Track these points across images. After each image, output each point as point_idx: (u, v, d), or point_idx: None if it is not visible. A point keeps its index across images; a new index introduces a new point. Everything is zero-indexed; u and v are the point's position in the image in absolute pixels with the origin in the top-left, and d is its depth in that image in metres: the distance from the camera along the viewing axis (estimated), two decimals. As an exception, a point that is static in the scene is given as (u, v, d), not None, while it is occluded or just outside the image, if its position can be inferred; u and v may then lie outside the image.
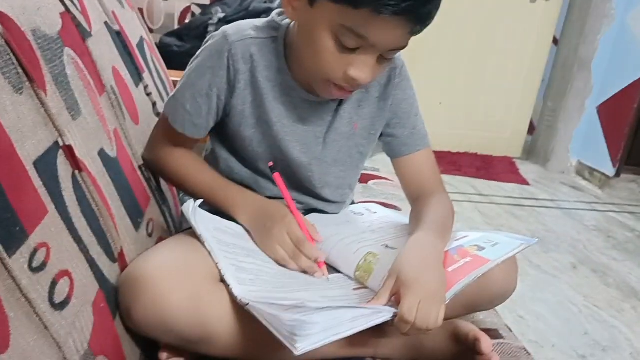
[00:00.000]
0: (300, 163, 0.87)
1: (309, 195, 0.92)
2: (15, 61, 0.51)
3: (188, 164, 0.87)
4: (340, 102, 0.86)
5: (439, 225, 0.79)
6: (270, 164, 0.84)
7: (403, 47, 0.72)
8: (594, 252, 2.32)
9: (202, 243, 0.73)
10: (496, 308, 0.91)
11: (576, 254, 2.29)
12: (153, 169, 0.89)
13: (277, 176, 0.83)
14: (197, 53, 0.83)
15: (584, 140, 3.30)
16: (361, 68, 0.71)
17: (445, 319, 0.80)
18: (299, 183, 0.90)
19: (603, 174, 3.15)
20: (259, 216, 0.81)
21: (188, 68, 0.83)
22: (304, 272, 0.78)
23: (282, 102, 0.83)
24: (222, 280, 0.69)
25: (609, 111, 3.14)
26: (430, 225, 0.79)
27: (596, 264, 2.22)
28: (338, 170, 0.91)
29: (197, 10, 2.02)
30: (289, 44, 0.80)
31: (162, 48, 1.89)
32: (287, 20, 0.80)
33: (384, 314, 0.64)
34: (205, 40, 0.83)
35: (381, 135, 0.92)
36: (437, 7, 0.67)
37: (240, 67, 0.80)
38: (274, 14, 0.83)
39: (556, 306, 1.87)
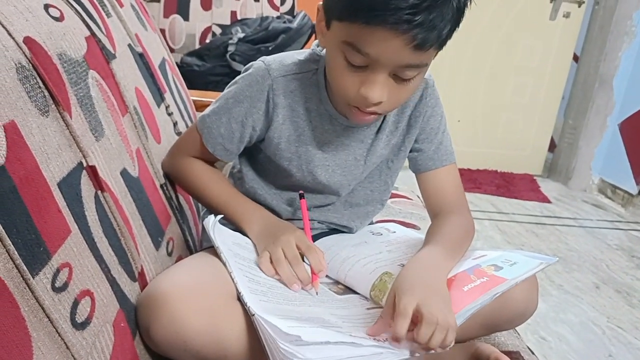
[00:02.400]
0: (340, 185, 0.89)
1: (336, 212, 0.93)
2: (41, 84, 0.52)
3: (207, 175, 0.88)
4: (380, 126, 0.87)
5: (447, 244, 0.78)
6: (301, 192, 0.86)
7: (416, 65, 0.69)
8: (617, 272, 2.28)
9: (219, 255, 0.74)
10: (517, 329, 0.90)
11: (599, 273, 2.25)
12: (172, 175, 0.90)
13: (303, 203, 0.85)
14: (236, 79, 0.85)
15: (606, 157, 3.26)
16: (370, 86, 0.69)
17: (465, 339, 0.80)
18: (327, 202, 0.92)
19: (626, 191, 3.10)
20: (269, 228, 0.81)
21: (226, 92, 0.85)
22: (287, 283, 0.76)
23: (325, 131, 0.85)
24: (239, 299, 0.69)
25: (631, 128, 3.10)
26: (437, 243, 0.78)
27: (620, 283, 2.17)
28: (367, 183, 0.93)
29: (218, 30, 2.05)
30: None
31: (183, 67, 1.92)
32: None
33: (385, 356, 0.63)
34: (245, 68, 0.85)
35: (409, 150, 0.92)
36: (441, 15, 0.63)
37: (280, 101, 0.82)
38: (314, 45, 0.85)
39: (579, 327, 1.83)
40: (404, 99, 0.76)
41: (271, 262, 0.76)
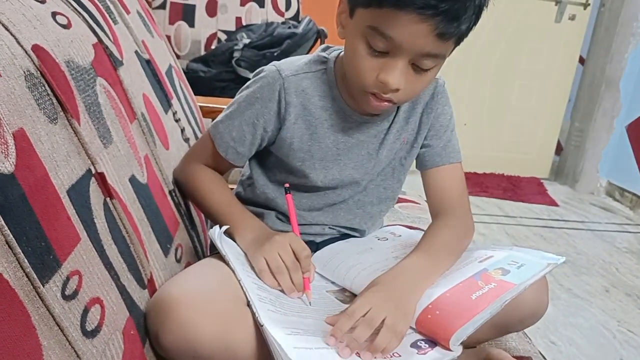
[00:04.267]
0: (352, 179, 0.89)
1: (348, 212, 0.93)
2: (50, 92, 0.52)
3: (210, 182, 0.88)
4: (393, 120, 0.88)
5: (435, 255, 0.79)
6: (286, 185, 0.86)
7: (435, 55, 0.71)
8: (627, 275, 2.26)
9: (227, 264, 0.74)
10: (527, 333, 0.89)
11: (608, 276, 2.23)
12: (179, 181, 0.89)
13: (289, 198, 0.85)
14: (247, 84, 0.86)
15: (614, 160, 3.25)
16: (390, 71, 0.71)
17: (476, 342, 0.79)
18: (340, 199, 0.91)
19: (634, 194, 3.09)
20: (261, 238, 0.80)
21: (237, 96, 0.86)
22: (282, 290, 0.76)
23: (340, 128, 0.86)
24: (249, 305, 0.69)
25: (638, 130, 3.08)
26: (424, 253, 0.79)
27: (629, 287, 2.16)
28: (380, 180, 0.93)
29: (223, 37, 2.05)
30: (339, 73, 0.83)
31: (189, 73, 1.92)
32: (335, 53, 0.84)
33: None
34: (255, 72, 0.86)
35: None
36: (465, 8, 0.67)
37: (292, 100, 0.83)
38: (318, 50, 0.87)
39: (589, 331, 1.82)
40: (419, 90, 0.78)
41: (270, 270, 0.75)
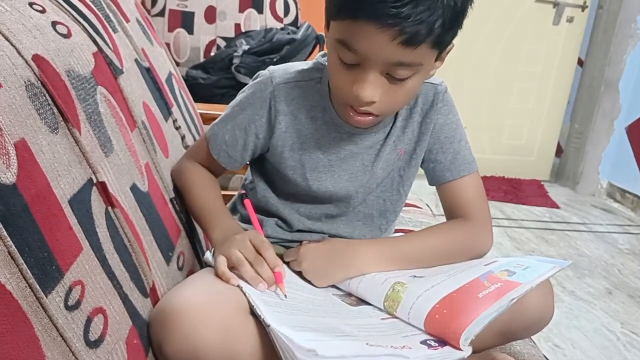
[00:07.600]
0: (346, 193, 0.88)
1: (348, 224, 0.92)
2: (51, 102, 0.52)
3: (198, 178, 0.88)
4: (390, 131, 0.86)
5: (411, 250, 0.84)
6: (242, 191, 0.87)
7: (408, 64, 0.67)
8: (630, 277, 2.26)
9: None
10: (531, 337, 0.89)
11: (611, 278, 2.23)
12: (174, 177, 0.89)
13: (247, 202, 0.87)
14: (244, 88, 0.86)
15: (614, 161, 3.25)
16: (361, 85, 0.69)
17: (481, 348, 0.79)
18: (339, 212, 0.91)
19: (635, 195, 3.08)
20: (229, 237, 0.78)
21: (233, 101, 0.87)
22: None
23: (332, 139, 0.84)
24: (252, 313, 0.68)
25: (638, 131, 3.08)
26: (404, 242, 0.86)
27: (632, 288, 2.15)
28: (379, 192, 0.92)
29: (222, 43, 2.06)
30: None
31: (188, 80, 1.92)
32: None
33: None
34: (254, 77, 0.87)
35: (424, 161, 0.90)
36: (430, 9, 0.61)
37: (282, 108, 0.82)
38: (318, 55, 0.85)
39: (592, 334, 1.81)
40: (401, 101, 0.75)
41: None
